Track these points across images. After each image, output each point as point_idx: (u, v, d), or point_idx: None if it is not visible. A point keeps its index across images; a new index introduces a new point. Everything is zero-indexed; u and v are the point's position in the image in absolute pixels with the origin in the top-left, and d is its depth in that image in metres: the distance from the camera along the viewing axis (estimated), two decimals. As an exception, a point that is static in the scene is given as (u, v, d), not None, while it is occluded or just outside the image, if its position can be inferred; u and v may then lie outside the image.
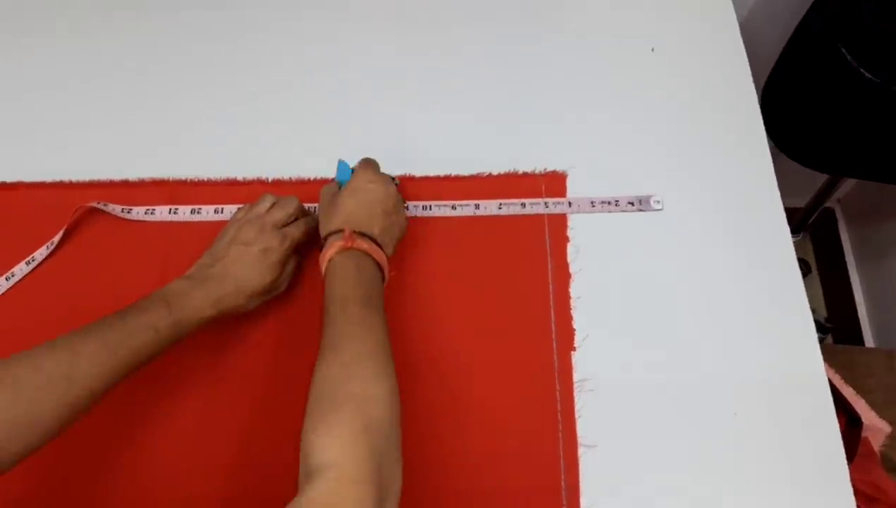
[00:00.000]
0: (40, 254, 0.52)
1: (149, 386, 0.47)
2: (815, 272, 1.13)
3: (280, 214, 0.46)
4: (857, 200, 1.10)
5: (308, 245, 0.49)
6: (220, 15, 0.63)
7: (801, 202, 1.06)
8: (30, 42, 0.62)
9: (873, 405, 0.88)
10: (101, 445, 0.46)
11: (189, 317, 0.41)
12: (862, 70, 0.57)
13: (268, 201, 0.47)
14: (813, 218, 1.05)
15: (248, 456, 0.46)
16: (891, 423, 0.86)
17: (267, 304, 0.47)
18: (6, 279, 0.51)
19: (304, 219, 0.49)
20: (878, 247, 1.04)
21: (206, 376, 0.48)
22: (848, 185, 1.08)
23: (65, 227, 0.52)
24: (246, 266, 0.44)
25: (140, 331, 0.39)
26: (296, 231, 0.47)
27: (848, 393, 0.83)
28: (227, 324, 0.48)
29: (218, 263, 0.44)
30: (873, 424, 0.86)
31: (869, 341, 1.04)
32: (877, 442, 0.85)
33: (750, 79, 0.57)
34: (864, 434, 0.84)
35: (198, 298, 0.42)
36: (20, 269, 0.52)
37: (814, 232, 1.14)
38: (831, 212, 1.13)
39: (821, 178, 0.97)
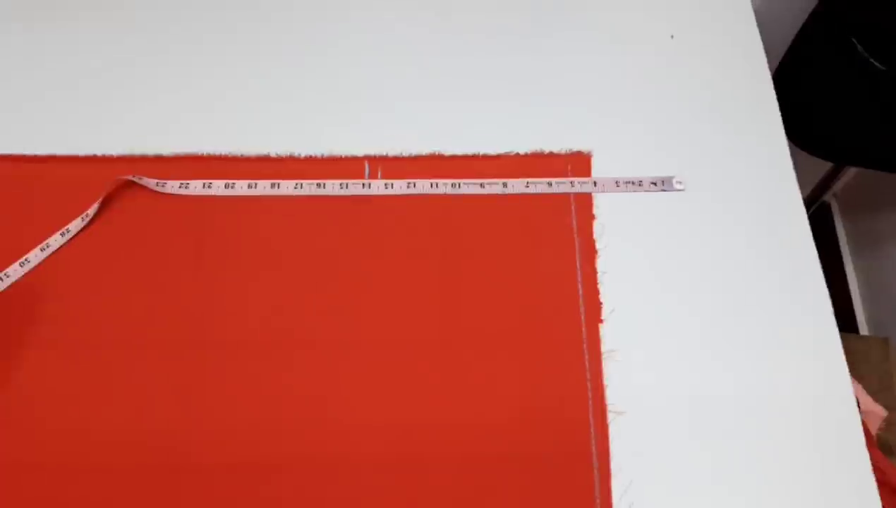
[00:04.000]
0: (75, 225, 0.53)
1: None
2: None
3: None
4: (853, 194, 1.13)
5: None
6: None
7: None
8: (64, 17, 0.63)
9: (869, 390, 0.91)
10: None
11: None
12: (872, 60, 0.59)
13: None
14: (811, 211, 1.07)
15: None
16: (886, 408, 0.89)
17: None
18: (41, 250, 0.52)
19: None
20: (873, 239, 1.07)
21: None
22: (844, 179, 1.11)
23: (100, 199, 0.53)
24: None
25: None
26: None
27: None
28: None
29: None
30: (870, 409, 0.89)
31: (863, 330, 1.07)
32: (873, 426, 0.88)
33: (766, 66, 0.60)
34: (861, 418, 0.86)
35: None
36: (55, 240, 0.52)
37: (810, 224, 1.17)
38: (827, 205, 1.17)
39: (819, 172, 1.00)
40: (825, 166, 1.04)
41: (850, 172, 1.09)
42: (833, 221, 1.14)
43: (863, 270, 1.10)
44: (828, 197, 1.16)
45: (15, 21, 0.62)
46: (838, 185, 1.14)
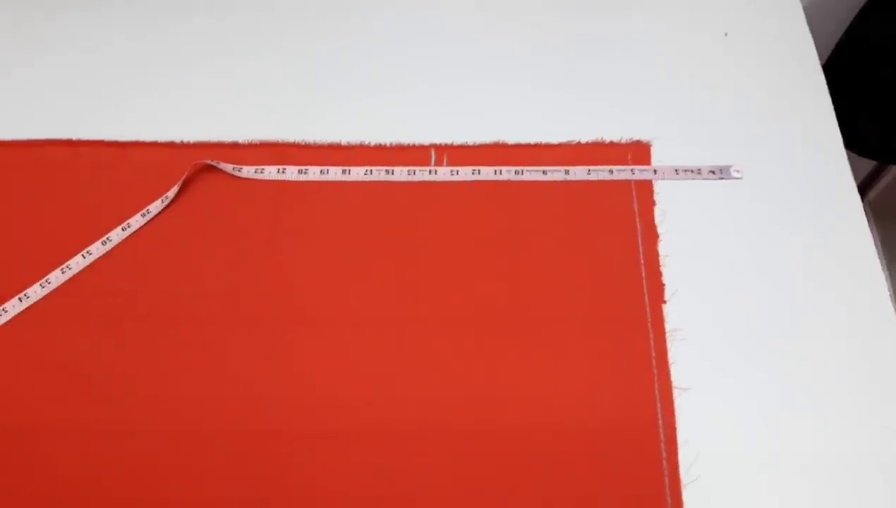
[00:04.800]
0: (155, 207, 0.55)
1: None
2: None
3: None
4: (887, 202, 1.14)
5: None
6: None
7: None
8: (138, 8, 0.66)
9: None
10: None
11: None
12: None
13: None
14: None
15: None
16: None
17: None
18: (122, 229, 0.55)
19: None
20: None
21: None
22: (878, 187, 1.12)
23: (180, 182, 0.55)
24: None
25: None
26: None
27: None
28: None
29: None
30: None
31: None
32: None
33: (817, 62, 0.62)
34: None
35: None
36: (136, 221, 0.55)
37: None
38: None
39: (858, 175, 1.01)
40: (859, 173, 1.05)
41: (885, 180, 1.10)
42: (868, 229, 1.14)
43: (897, 277, 1.11)
44: (862, 205, 1.17)
45: (104, 16, 0.66)
46: (872, 193, 1.15)
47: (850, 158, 0.58)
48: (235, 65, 0.63)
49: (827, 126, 0.59)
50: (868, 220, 0.56)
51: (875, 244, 0.55)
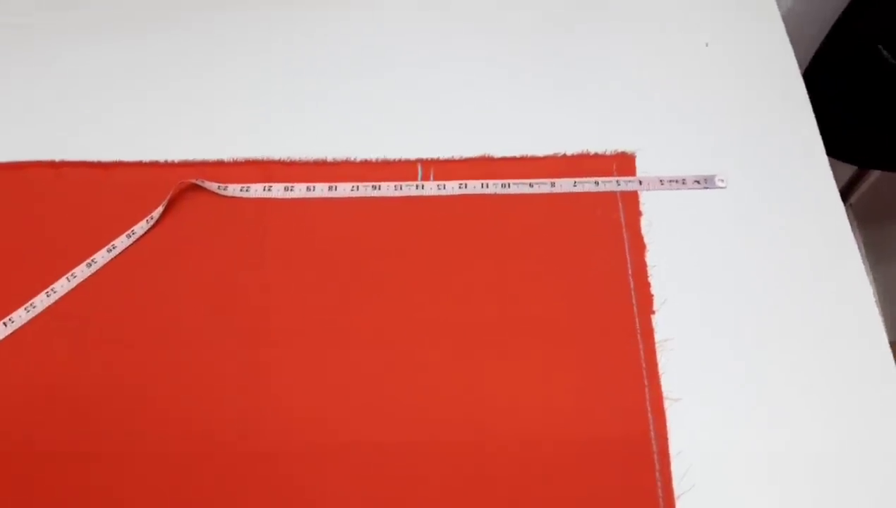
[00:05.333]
0: (140, 227, 0.55)
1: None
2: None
3: None
4: (870, 204, 1.16)
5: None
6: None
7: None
8: (120, 27, 0.66)
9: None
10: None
11: None
12: (898, 65, 0.62)
13: None
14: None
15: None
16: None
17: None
18: (108, 251, 0.54)
19: None
20: (892, 248, 1.10)
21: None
22: (860, 190, 1.14)
23: (165, 202, 0.55)
24: None
25: None
26: None
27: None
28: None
29: None
30: None
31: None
32: None
33: (797, 70, 0.62)
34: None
35: None
36: (121, 242, 0.54)
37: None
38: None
39: (840, 179, 1.02)
40: (842, 177, 1.07)
41: (866, 183, 1.11)
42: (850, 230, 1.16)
43: (880, 279, 1.12)
44: (844, 207, 1.18)
45: (84, 34, 0.65)
46: (854, 196, 1.16)
47: (831, 163, 0.59)
48: (218, 82, 0.63)
49: (808, 133, 0.59)
50: (851, 224, 0.56)
51: (858, 247, 0.55)
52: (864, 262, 0.55)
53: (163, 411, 0.48)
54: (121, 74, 0.63)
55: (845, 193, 1.06)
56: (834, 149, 0.73)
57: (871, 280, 1.12)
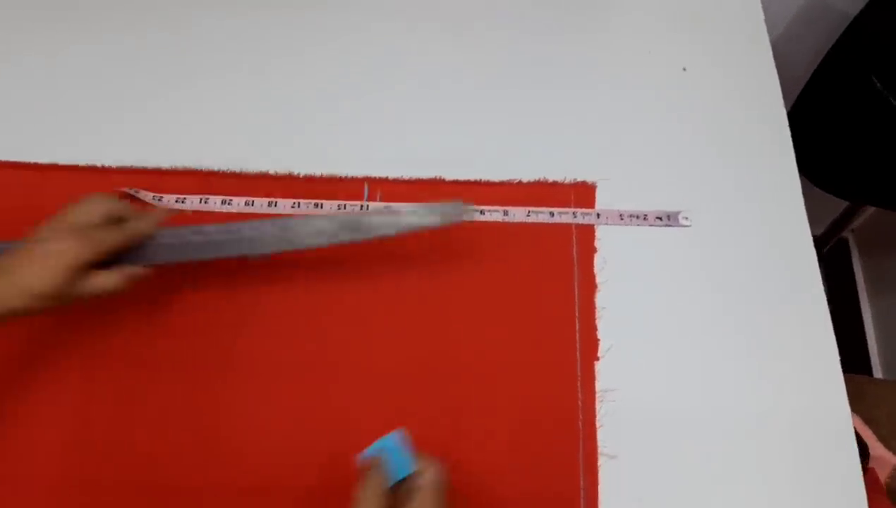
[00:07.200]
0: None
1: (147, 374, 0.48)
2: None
3: (80, 216, 0.42)
4: (872, 230, 1.11)
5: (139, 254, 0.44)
6: (257, 3, 0.63)
7: (816, 231, 1.06)
8: (66, 28, 0.63)
9: (880, 436, 0.88)
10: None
11: None
12: (891, 98, 0.58)
13: (92, 202, 0.43)
14: (828, 247, 1.05)
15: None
16: (897, 455, 0.86)
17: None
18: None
19: (129, 225, 0.44)
20: (891, 279, 1.05)
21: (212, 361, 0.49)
22: (863, 216, 1.09)
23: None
24: (26, 266, 0.40)
25: None
26: (108, 237, 0.42)
27: (856, 422, 0.83)
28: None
29: (9, 259, 0.40)
30: (880, 455, 0.86)
31: (878, 372, 1.04)
32: (882, 473, 0.85)
33: (781, 101, 0.58)
34: (870, 464, 0.84)
35: None
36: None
37: (827, 260, 1.15)
38: (845, 241, 1.14)
39: (838, 207, 0.98)
40: (844, 202, 1.02)
41: (869, 209, 1.06)
42: (851, 258, 1.11)
43: (879, 311, 1.07)
44: (846, 233, 1.13)
45: (24, 31, 0.62)
46: (857, 222, 1.11)
47: (822, 196, 0.54)
48: (162, 88, 0.59)
49: (786, 171, 0.55)
50: (852, 250, 0.53)
51: (857, 277, 0.52)
52: (864, 293, 0.51)
53: (129, 445, 0.46)
54: (62, 76, 0.60)
55: (847, 218, 1.01)
56: (824, 182, 0.69)
57: (870, 311, 1.08)
